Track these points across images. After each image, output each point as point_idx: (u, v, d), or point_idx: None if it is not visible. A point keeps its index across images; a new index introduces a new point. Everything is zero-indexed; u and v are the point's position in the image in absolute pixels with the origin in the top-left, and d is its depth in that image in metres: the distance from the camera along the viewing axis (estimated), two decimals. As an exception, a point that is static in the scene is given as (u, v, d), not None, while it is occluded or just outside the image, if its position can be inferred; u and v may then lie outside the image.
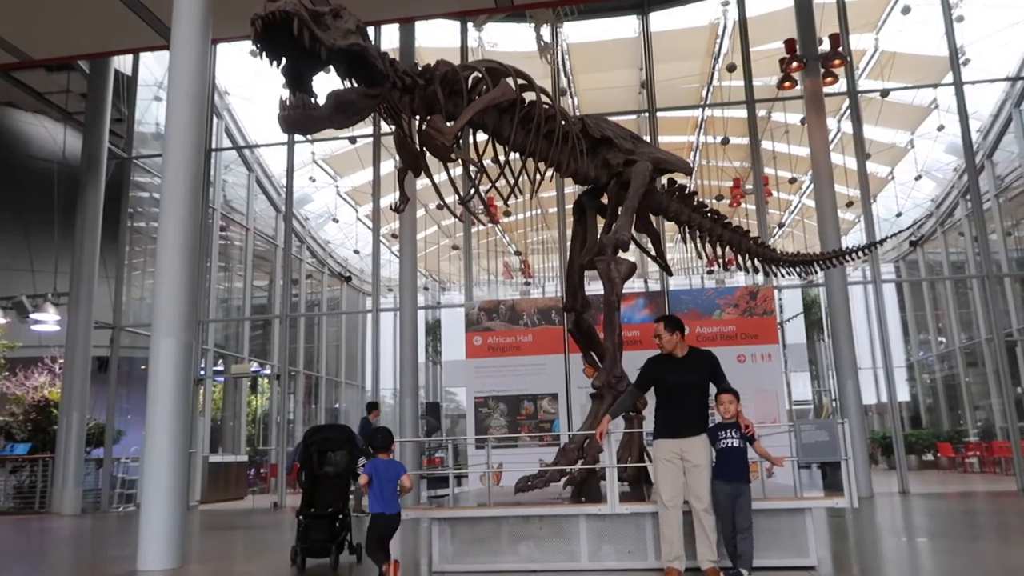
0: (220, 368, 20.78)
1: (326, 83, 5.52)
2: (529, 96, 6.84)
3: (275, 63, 4.97)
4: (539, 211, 23.42)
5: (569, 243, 8.10)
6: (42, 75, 18.45)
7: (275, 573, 6.20)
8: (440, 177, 7.01)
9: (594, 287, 8.07)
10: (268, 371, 21.95)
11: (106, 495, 15.68)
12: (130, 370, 18.75)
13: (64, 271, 16.13)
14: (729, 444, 5.23)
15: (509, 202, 8.52)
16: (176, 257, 7.01)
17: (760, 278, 9.90)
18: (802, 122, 16.58)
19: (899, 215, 22.02)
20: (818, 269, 9.40)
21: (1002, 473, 16.93)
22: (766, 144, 18.49)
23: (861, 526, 7.97)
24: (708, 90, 18.91)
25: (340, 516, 6.44)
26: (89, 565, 7.36)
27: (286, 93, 5.06)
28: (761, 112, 17.21)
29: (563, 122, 6.99)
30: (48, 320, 16.31)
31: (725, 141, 17.51)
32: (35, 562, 7.57)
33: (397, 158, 14.86)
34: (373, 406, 12.18)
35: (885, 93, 16.78)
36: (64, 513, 14.29)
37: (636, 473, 7.02)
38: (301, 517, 6.40)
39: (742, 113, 16.23)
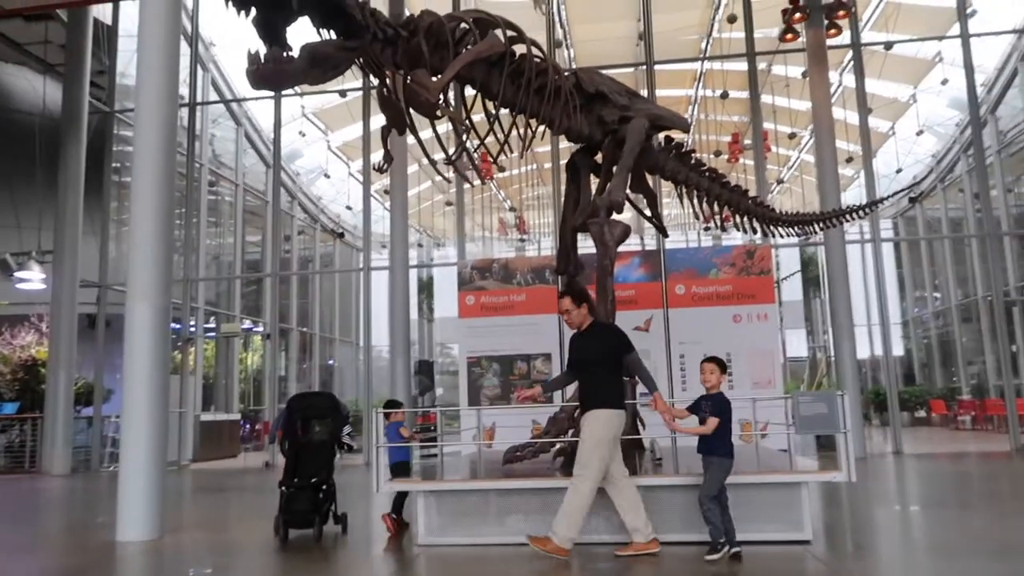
0: (211, 326, 20.57)
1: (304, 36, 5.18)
2: (520, 49, 6.47)
3: (244, 13, 4.62)
4: (534, 166, 23.02)
5: (562, 203, 7.79)
6: (20, 25, 17.81)
7: (258, 544, 6.06)
8: (427, 134, 6.68)
9: (586, 246, 7.83)
10: (260, 329, 21.76)
11: (96, 454, 15.62)
12: (118, 327, 18.48)
13: (48, 228, 15.79)
14: (703, 418, 5.07)
15: (500, 159, 8.21)
16: (150, 219, 6.71)
17: (758, 237, 9.63)
18: (804, 75, 16.14)
19: (899, 171, 21.68)
20: (818, 229, 9.14)
21: (995, 431, 16.94)
22: (766, 98, 18.04)
23: (855, 493, 7.86)
24: (708, 42, 18.37)
25: (324, 486, 6.28)
26: (71, 533, 7.23)
27: (257, 47, 4.72)
28: (762, 65, 16.74)
29: (555, 76, 6.64)
30: (33, 278, 16.00)
31: (724, 95, 17.07)
32: (17, 526, 7.44)
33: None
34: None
35: (889, 46, 16.29)
36: (54, 473, 14.22)
37: (628, 441, 6.85)
38: (284, 487, 6.24)
39: (742, 66, 15.77)
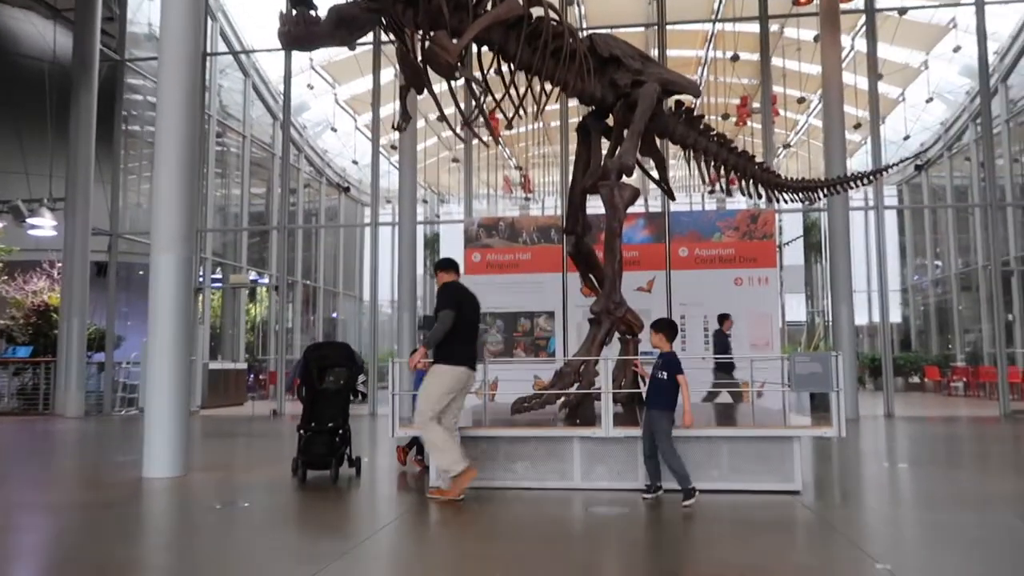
0: (218, 276, 20.85)
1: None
2: (537, 12, 6.60)
3: (273, -26, 4.77)
4: (541, 125, 23.01)
5: (572, 164, 7.97)
6: (28, -33, 17.73)
7: (277, 483, 6.39)
8: (441, 87, 6.83)
9: (594, 206, 8.03)
10: (266, 280, 22.04)
11: (108, 398, 16.01)
12: (128, 275, 18.81)
13: (59, 175, 15.94)
14: (658, 375, 5.56)
15: (509, 115, 8.35)
16: (173, 173, 6.92)
17: (763, 202, 9.81)
18: (816, 39, 16.09)
19: (907, 138, 21.70)
20: (822, 195, 9.31)
21: (986, 398, 17.32)
22: (776, 61, 18.00)
23: (846, 450, 8.21)
24: (720, 3, 18.26)
25: (340, 431, 6.60)
26: (98, 470, 7.57)
27: (286, 7, 4.87)
28: (774, 27, 16.68)
29: (571, 40, 6.77)
30: (45, 225, 16.23)
31: (735, 58, 17.03)
32: (45, 466, 7.79)
33: (397, 67, 14.38)
34: (725, 316, 11.00)
35: (903, 11, 16.22)
36: (68, 415, 14.62)
37: (629, 395, 7.16)
38: (302, 431, 6.55)
39: (754, 28, 15.73)
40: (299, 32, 4.88)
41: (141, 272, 20.01)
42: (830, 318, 18.06)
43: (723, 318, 10.84)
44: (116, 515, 5.41)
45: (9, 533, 4.96)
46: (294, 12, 5.02)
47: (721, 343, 10.60)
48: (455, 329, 5.64)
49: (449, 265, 6.12)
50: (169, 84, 7.04)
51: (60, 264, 16.32)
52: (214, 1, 18.70)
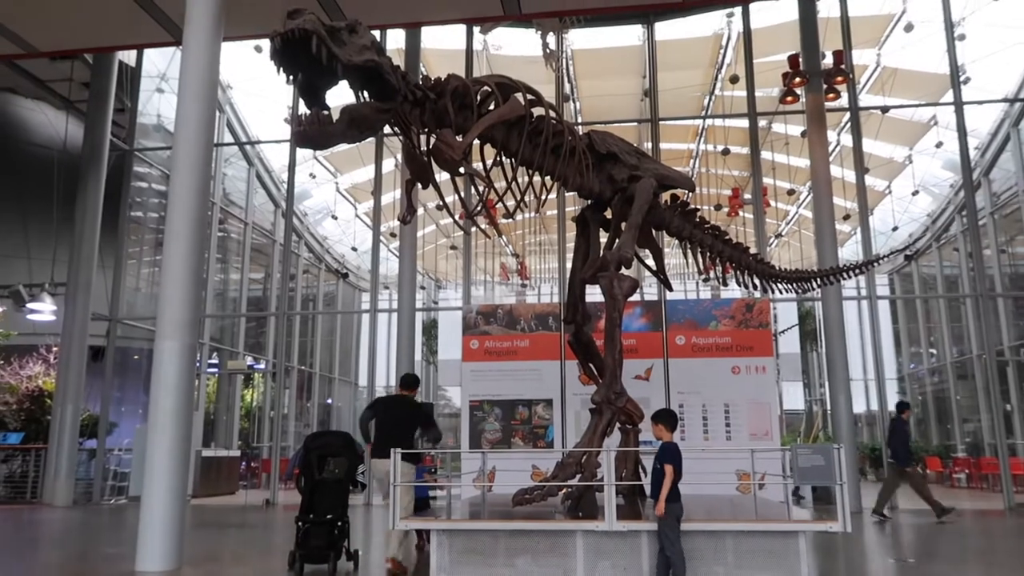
0: (214, 361, 20.79)
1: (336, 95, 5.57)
2: (537, 111, 6.90)
3: (291, 78, 5.03)
4: (537, 214, 23.47)
5: (572, 255, 8.15)
6: (44, 62, 18.41)
7: (272, 577, 6.26)
8: (442, 177, 7.04)
9: (592, 294, 8.16)
10: (262, 366, 21.97)
11: (98, 486, 15.71)
12: (124, 360, 18.76)
13: (62, 260, 16.13)
14: (657, 466, 5.57)
15: (511, 207, 8.59)
16: (182, 260, 7.05)
17: (758, 292, 9.99)
18: (803, 135, 16.70)
19: (895, 229, 22.17)
20: (815, 285, 9.49)
21: (989, 490, 17.09)
22: (766, 154, 18.59)
23: (851, 545, 8.07)
24: (710, 100, 19.00)
25: (339, 523, 6.50)
26: (86, 562, 7.39)
27: (303, 109, 5.11)
28: (762, 123, 17.32)
29: (570, 137, 7.05)
30: (45, 310, 16.32)
31: (726, 152, 17.60)
32: (32, 557, 7.60)
33: (401, 161, 14.81)
34: (905, 406, 12.13)
35: (885, 109, 16.91)
36: (56, 504, 14.31)
37: (631, 487, 7.10)
38: (300, 523, 6.46)
39: (743, 124, 16.33)
40: (313, 131, 5.09)
41: (136, 357, 19.99)
42: (828, 406, 18.01)
43: (903, 407, 11.57)
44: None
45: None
46: (308, 112, 5.24)
47: (901, 432, 11.06)
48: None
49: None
50: (182, 174, 7.27)
51: (57, 348, 16.31)
52: (221, 95, 19.38)
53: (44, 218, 18.35)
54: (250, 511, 13.34)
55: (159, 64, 19.12)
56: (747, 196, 18.44)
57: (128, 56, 17.80)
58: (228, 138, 20.19)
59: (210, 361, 20.11)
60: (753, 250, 8.92)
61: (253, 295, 23.49)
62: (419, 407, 7.67)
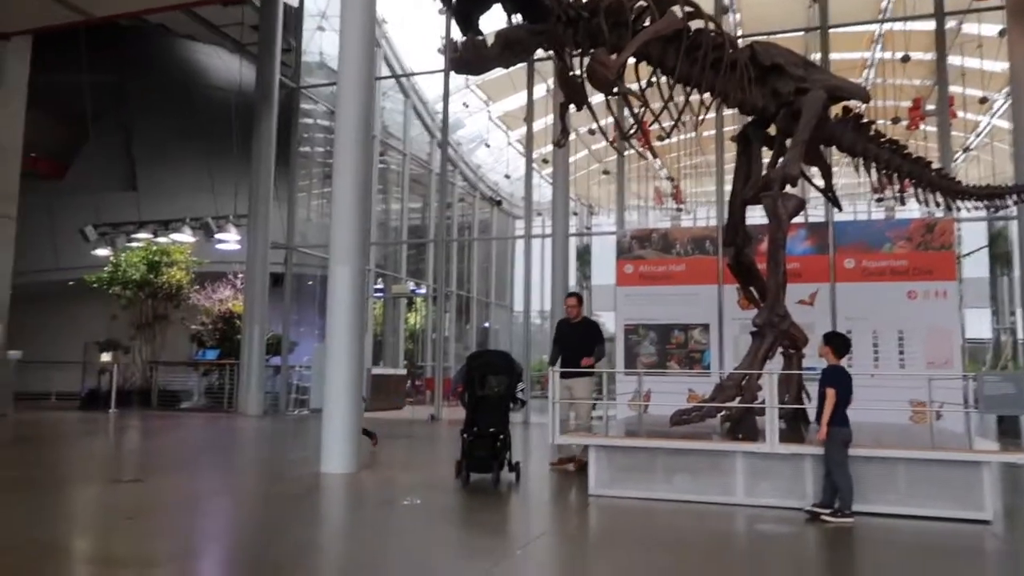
0: (380, 287, 22.06)
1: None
2: (696, 24, 6.58)
3: (446, 6, 5.10)
4: (693, 135, 22.62)
5: (731, 176, 7.84)
6: (218, 9, 19.65)
7: (441, 484, 6.71)
8: (596, 98, 6.93)
9: (753, 216, 7.86)
10: (423, 291, 23.06)
11: (283, 399, 17.30)
12: (299, 286, 20.29)
13: (242, 194, 17.50)
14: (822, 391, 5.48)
15: (667, 128, 8.34)
16: (350, 190, 7.46)
17: (940, 210, 9.17)
18: (1000, 34, 14.83)
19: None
20: (1011, 202, 8.59)
21: None
22: (953, 59, 16.73)
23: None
24: (888, 2, 17.23)
25: (501, 436, 6.82)
26: (280, 464, 8.27)
27: (458, 36, 5.18)
28: (950, 23, 15.53)
29: (731, 50, 6.70)
30: (230, 239, 17.90)
31: (906, 59, 15.99)
32: (237, 457, 8.60)
33: (553, 84, 14.67)
34: None
35: (1105, -3, 14.60)
36: (249, 413, 15.94)
37: (793, 412, 6.92)
38: (465, 435, 6.84)
39: (927, 26, 14.74)
40: (469, 57, 5.17)
41: (310, 283, 21.57)
42: (1020, 335, 16.45)
43: None
44: (304, 505, 5.93)
45: (216, 517, 5.55)
46: (463, 39, 5.31)
47: None
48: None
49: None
50: (347, 108, 7.61)
51: (243, 275, 17.91)
52: (378, 29, 19.89)
53: (225, 156, 19.90)
54: (416, 424, 14.26)
55: (319, 2, 19.87)
56: (930, 107, 16.76)
57: (291, -4, 18.60)
58: (385, 71, 20.79)
59: (376, 286, 21.35)
60: (936, 165, 8.18)
61: (413, 224, 24.52)
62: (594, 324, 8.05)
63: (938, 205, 8.08)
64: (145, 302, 18.90)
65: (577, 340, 7.99)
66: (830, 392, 5.27)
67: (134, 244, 18.84)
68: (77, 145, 22.69)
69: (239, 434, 12.22)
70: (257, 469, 7.66)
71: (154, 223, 18.83)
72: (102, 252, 18.76)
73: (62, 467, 8.42)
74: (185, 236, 18.25)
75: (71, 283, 20.88)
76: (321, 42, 20.29)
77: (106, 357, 18.47)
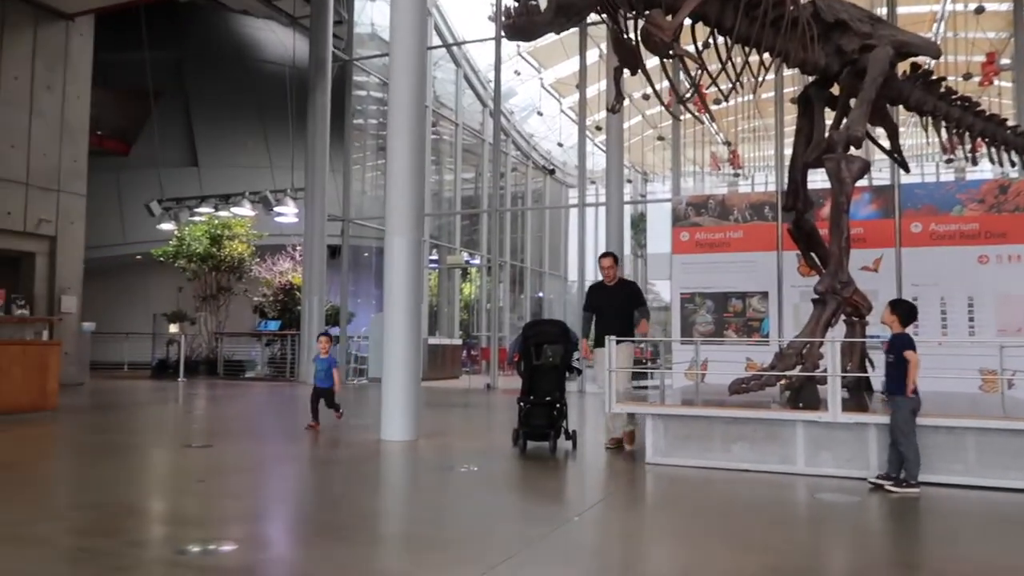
0: (434, 257, 22.25)
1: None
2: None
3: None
4: (751, 97, 22.02)
5: (792, 139, 7.62)
6: (271, -18, 19.84)
7: (499, 451, 6.79)
8: (651, 62, 6.78)
9: (814, 180, 7.63)
10: (477, 261, 23.17)
11: (342, 369, 17.66)
12: (355, 258, 20.60)
13: (299, 167, 17.79)
14: (888, 358, 5.32)
15: (725, 91, 8.13)
16: (405, 161, 7.50)
17: (1016, 171, 8.76)
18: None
19: None
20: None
21: None
22: (1031, 9, 15.83)
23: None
24: (960, -51, 16.39)
25: (557, 405, 6.85)
26: (342, 431, 8.46)
27: (510, 1, 5.11)
28: (1029, -29, 14.68)
29: (792, 7, 6.46)
30: (288, 212, 18.24)
31: (980, 10, 15.24)
32: (298, 426, 8.83)
33: (606, 49, 14.42)
34: None
35: None
36: (309, 383, 16.30)
37: (856, 380, 6.77)
38: (522, 404, 6.89)
39: (1003, -26, 13.97)
40: (522, 22, 5.11)
41: (366, 254, 21.89)
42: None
43: None
44: (366, 470, 6.08)
45: (282, 480, 5.74)
46: (516, 4, 5.25)
47: None
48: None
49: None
50: (399, 79, 7.63)
51: (301, 247, 18.26)
52: (429, -1, 19.81)
53: (281, 129, 20.22)
54: (472, 393, 14.43)
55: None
56: (1005, 61, 15.96)
57: (342, -32, 18.62)
58: (436, 41, 20.72)
59: (430, 257, 21.54)
60: (1011, 123, 7.80)
61: (466, 194, 24.57)
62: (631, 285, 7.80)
63: (1013, 165, 7.73)
64: (209, 275, 19.47)
65: (618, 304, 7.33)
66: (911, 354, 5.13)
67: (196, 218, 19.36)
68: (139, 122, 23.32)
69: (301, 402, 12.53)
70: (319, 436, 7.86)
71: (215, 197, 19.31)
72: (167, 226, 19.35)
73: (138, 433, 8.80)
74: (245, 210, 18.66)
75: (139, 257, 21.64)
76: (372, 13, 20.33)
77: (174, 328, 19.15)
